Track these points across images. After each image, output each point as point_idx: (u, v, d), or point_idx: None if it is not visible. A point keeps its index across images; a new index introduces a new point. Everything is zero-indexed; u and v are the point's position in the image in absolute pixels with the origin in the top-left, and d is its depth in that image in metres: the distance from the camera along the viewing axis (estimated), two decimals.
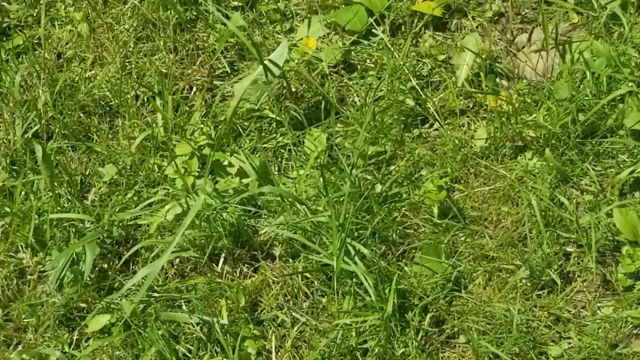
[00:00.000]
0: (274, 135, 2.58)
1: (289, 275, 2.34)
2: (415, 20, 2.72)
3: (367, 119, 2.44)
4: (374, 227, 2.34)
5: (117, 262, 2.43)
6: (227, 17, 2.68)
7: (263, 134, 2.59)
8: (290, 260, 2.39)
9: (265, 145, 2.57)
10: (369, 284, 2.20)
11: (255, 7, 2.81)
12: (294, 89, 2.62)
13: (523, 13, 2.74)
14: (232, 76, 2.71)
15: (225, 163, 2.49)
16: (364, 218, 2.35)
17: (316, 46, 2.67)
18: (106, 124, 2.67)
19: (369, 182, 2.44)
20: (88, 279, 2.38)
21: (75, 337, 2.36)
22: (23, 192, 2.51)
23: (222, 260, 2.42)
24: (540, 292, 2.31)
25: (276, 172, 2.52)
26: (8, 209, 2.49)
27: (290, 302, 2.34)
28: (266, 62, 2.49)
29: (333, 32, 2.73)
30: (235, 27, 2.55)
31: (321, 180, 2.36)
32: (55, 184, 2.48)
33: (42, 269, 2.46)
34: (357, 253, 2.25)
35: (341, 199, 2.33)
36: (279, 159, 2.55)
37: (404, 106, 2.57)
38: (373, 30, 2.70)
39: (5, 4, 2.93)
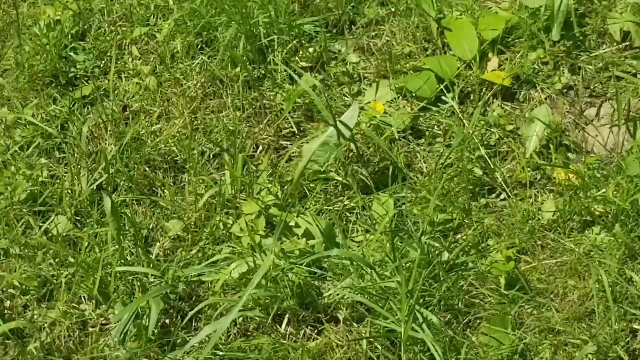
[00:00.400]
0: (341, 198, 2.70)
1: (354, 341, 2.44)
2: (484, 89, 2.84)
3: (438, 186, 2.56)
4: (440, 295, 2.45)
5: (180, 317, 2.53)
6: (299, 77, 2.81)
7: (328, 196, 2.71)
8: (355, 324, 2.49)
9: (330, 207, 2.69)
10: (437, 352, 2.29)
11: (324, 69, 2.94)
12: (361, 152, 2.74)
13: (592, 87, 2.86)
14: (298, 137, 2.84)
15: (292, 224, 2.60)
16: (431, 285, 2.46)
17: (384, 110, 2.80)
18: (170, 179, 2.80)
19: (436, 249, 2.54)
20: (151, 334, 2.48)
21: None
22: (87, 243, 2.63)
23: (285, 321, 2.52)
24: None
25: (340, 235, 2.62)
26: (72, 260, 2.61)
27: None
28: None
29: (401, 97, 2.85)
30: (307, 87, 2.68)
31: (388, 245, 2.47)
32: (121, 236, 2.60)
33: (104, 322, 2.56)
34: (425, 320, 2.35)
35: (407, 265, 2.44)
36: (344, 222, 2.66)
37: (472, 175, 2.68)
38: (442, 97, 2.83)
39: (72, 54, 3.07)
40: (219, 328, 2.35)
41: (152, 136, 2.85)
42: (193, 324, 2.54)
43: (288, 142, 2.84)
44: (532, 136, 2.72)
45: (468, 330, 2.47)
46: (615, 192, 2.59)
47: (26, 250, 2.65)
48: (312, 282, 2.54)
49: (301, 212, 2.63)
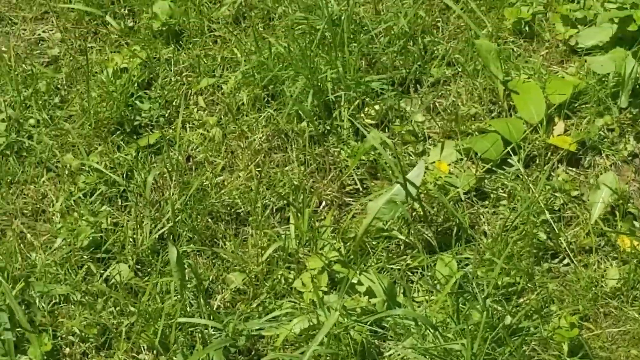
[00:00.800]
0: (403, 257, 2.75)
1: None
2: (550, 154, 2.90)
3: (503, 249, 2.61)
4: (503, 359, 2.49)
5: None
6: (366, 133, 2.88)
7: (390, 255, 2.77)
8: None
9: (392, 266, 2.74)
10: None
11: (389, 127, 3.02)
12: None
13: None
14: (361, 194, 2.90)
15: (354, 281, 2.66)
16: (495, 349, 2.50)
17: (448, 170, 2.86)
18: (232, 231, 2.86)
19: (498, 312, 2.59)
20: None
21: None
22: (148, 293, 2.69)
23: None
24: None
25: (401, 294, 2.68)
26: (133, 309, 2.67)
27: None
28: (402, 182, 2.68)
29: (466, 158, 2.92)
30: (376, 143, 2.75)
31: (451, 306, 2.53)
32: None
33: None
34: None
35: (470, 327, 2.48)
36: (406, 281, 2.71)
37: (536, 239, 2.73)
38: (508, 160, 2.89)
39: (137, 102, 3.16)
40: None
41: (215, 188, 2.92)
42: None
43: (351, 199, 2.91)
44: (598, 202, 2.77)
45: None
46: None
47: (87, 297, 2.72)
48: (373, 340, 2.59)
49: (363, 270, 2.69)
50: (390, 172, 2.88)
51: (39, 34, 3.51)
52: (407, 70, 3.12)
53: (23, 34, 3.51)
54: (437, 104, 3.07)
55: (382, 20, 3.22)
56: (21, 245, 2.85)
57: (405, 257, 2.76)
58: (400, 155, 2.94)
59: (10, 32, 3.52)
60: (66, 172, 3.01)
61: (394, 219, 2.79)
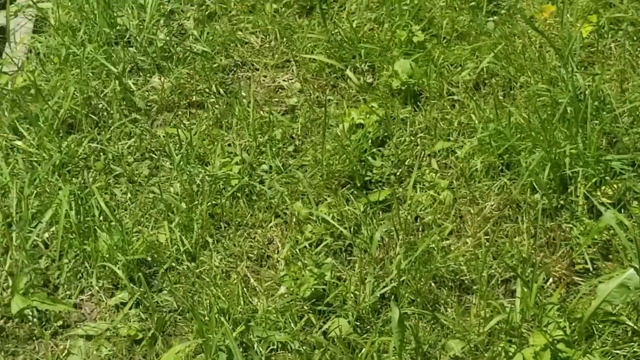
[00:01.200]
0: (631, 343, 2.71)
1: None
2: None
3: None
4: None
5: None
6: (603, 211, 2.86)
7: (616, 340, 2.73)
8: None
9: (618, 351, 2.70)
10: None
11: (626, 208, 2.99)
12: None
13: None
14: (591, 274, 2.88)
15: None
16: None
17: None
18: (455, 297, 2.89)
19: None
20: None
21: None
22: (367, 350, 2.74)
23: None
24: None
25: None
26: None
27: None
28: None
29: None
30: (613, 222, 2.73)
31: None
32: None
33: None
34: None
35: None
36: None
37: None
38: None
39: (369, 158, 3.24)
40: None
41: (442, 251, 2.96)
42: None
43: (580, 279, 2.89)
44: None
45: None
46: None
47: (304, 348, 2.79)
48: None
49: (588, 352, 2.66)
50: (624, 254, 2.85)
51: (279, 82, 3.65)
52: None
53: (263, 80, 3.66)
54: None
55: (628, 99, 3.21)
56: (244, 288, 2.95)
57: (632, 344, 2.72)
58: (637, 238, 2.91)
59: (252, 78, 3.68)
60: (294, 219, 3.11)
61: (624, 304, 2.76)
